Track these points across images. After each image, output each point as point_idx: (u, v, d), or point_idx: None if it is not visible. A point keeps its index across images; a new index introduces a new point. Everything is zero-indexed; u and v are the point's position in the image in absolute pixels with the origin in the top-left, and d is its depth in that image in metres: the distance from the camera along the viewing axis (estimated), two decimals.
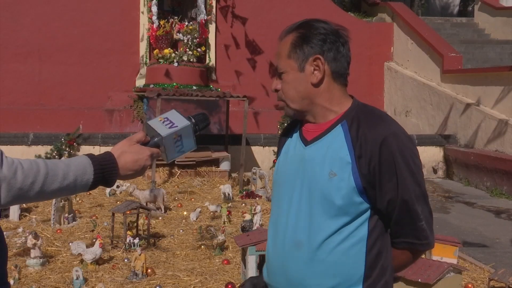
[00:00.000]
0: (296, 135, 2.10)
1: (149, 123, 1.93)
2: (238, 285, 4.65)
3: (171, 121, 1.92)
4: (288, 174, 2.06)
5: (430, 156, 11.55)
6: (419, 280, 4.12)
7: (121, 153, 1.81)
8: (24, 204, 7.14)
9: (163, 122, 1.92)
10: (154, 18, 12.19)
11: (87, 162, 1.73)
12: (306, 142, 2.02)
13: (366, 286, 1.94)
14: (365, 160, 1.88)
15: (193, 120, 1.96)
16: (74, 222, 6.89)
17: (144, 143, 1.88)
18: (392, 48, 14.64)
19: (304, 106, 2.01)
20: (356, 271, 1.93)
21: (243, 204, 8.17)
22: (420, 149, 11.42)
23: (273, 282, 2.09)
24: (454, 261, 4.93)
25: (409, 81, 13.62)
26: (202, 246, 5.98)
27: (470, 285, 4.85)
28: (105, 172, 1.75)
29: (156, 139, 1.89)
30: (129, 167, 1.81)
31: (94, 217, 7.10)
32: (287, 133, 2.17)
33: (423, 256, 5.30)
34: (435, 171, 11.53)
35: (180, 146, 1.93)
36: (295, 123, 2.15)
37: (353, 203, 1.90)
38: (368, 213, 1.93)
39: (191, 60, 12.11)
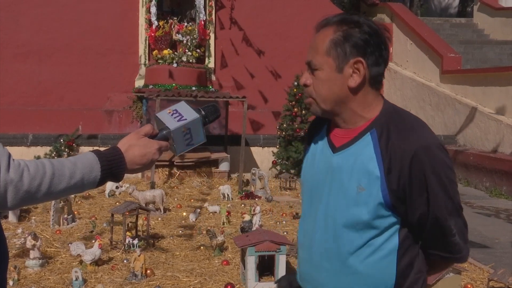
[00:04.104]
0: (323, 137, 2.01)
1: (158, 115, 1.88)
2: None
3: (180, 114, 1.86)
4: (315, 179, 2.00)
5: None
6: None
7: (129, 147, 1.77)
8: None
9: (171, 115, 1.86)
10: (153, 19, 12.19)
11: (93, 159, 1.70)
12: (334, 149, 1.93)
13: None
14: (395, 175, 1.79)
15: (203, 112, 1.89)
16: (73, 223, 6.89)
17: (152, 136, 1.83)
18: (391, 48, 14.63)
19: (335, 108, 1.90)
20: (386, 282, 1.88)
21: (243, 205, 8.17)
22: None
23: (304, 286, 2.07)
24: None
25: (408, 82, 13.63)
26: (202, 247, 5.98)
27: (469, 286, 4.85)
28: (113, 167, 1.73)
29: (164, 132, 1.84)
30: (136, 161, 1.78)
31: (93, 218, 7.10)
32: (314, 132, 2.09)
33: None
34: None
35: (189, 139, 1.87)
36: (322, 122, 2.06)
37: (381, 217, 1.83)
38: (398, 226, 1.86)
39: (190, 61, 12.11)
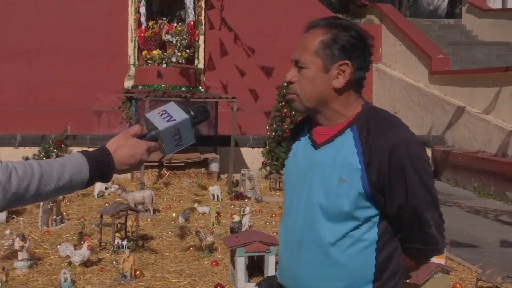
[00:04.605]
0: (306, 137, 2.08)
1: (147, 115, 1.88)
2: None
3: (169, 114, 1.86)
4: (297, 176, 2.05)
5: None
6: (407, 281, 4.13)
7: (117, 148, 1.77)
8: None
9: (161, 115, 1.86)
10: (143, 19, 12.16)
11: (82, 160, 1.70)
12: (316, 145, 2.00)
13: (376, 287, 1.94)
14: (375, 168, 1.86)
15: (192, 113, 1.89)
16: (62, 224, 6.86)
17: (141, 136, 1.83)
18: (380, 49, 14.70)
19: (317, 106, 1.97)
20: (366, 273, 1.93)
21: (232, 206, 8.16)
22: None
23: (285, 283, 2.09)
24: (442, 261, 4.95)
25: (397, 83, 13.68)
26: (191, 248, 5.97)
27: (458, 286, 4.87)
28: (101, 168, 1.72)
29: (153, 132, 1.84)
30: (125, 162, 1.77)
31: (82, 219, 7.07)
32: (296, 132, 2.15)
33: None
34: None
35: (179, 139, 1.87)
36: (304, 123, 2.13)
37: (361, 208, 1.89)
38: (377, 218, 1.92)
39: (180, 61, 12.08)
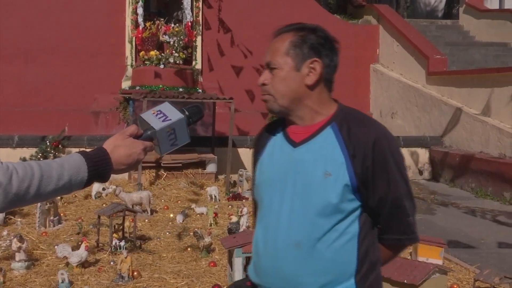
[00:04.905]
0: (280, 137, 2.12)
1: (142, 116, 1.90)
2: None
3: (165, 114, 1.89)
4: (276, 175, 2.07)
5: (416, 157, 11.62)
6: (405, 281, 4.13)
7: (114, 148, 1.79)
8: None
9: (156, 115, 1.89)
10: (140, 20, 12.14)
11: (80, 161, 1.72)
12: (294, 144, 2.05)
13: (358, 280, 2.00)
14: (359, 160, 1.95)
15: (187, 113, 1.93)
16: (59, 225, 6.85)
17: (137, 137, 1.85)
18: (378, 50, 14.71)
19: (292, 104, 2.04)
20: (349, 266, 1.99)
21: (230, 206, 8.16)
22: (406, 150, 11.50)
23: (264, 283, 2.10)
24: (439, 262, 4.96)
25: (394, 83, 13.69)
26: (189, 248, 5.97)
27: (455, 286, 4.88)
28: (99, 168, 1.74)
29: (149, 132, 1.87)
30: (122, 162, 1.80)
31: (79, 220, 7.06)
32: (269, 133, 2.20)
33: (408, 257, 5.32)
34: (420, 172, 11.59)
35: (174, 139, 1.90)
36: (275, 125, 2.18)
37: (347, 201, 1.96)
38: (359, 211, 2.00)
39: (178, 62, 12.07)
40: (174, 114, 1.90)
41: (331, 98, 2.10)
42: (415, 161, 11.61)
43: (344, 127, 2.00)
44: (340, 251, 1.98)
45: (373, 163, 1.95)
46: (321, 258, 1.97)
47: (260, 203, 2.17)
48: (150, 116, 1.89)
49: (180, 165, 9.80)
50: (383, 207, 2.00)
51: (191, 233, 6.38)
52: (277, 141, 2.13)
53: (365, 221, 2.02)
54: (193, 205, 7.85)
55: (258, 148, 2.23)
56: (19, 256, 5.24)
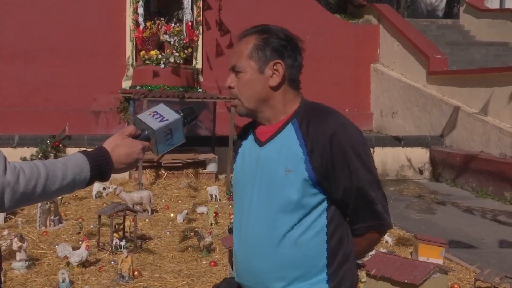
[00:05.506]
0: (250, 138, 2.18)
1: (139, 116, 1.95)
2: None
3: (161, 115, 1.95)
4: (246, 175, 2.14)
5: (416, 157, 11.62)
6: (405, 281, 4.14)
7: (114, 147, 1.85)
8: None
9: (152, 116, 1.94)
10: (141, 19, 12.14)
11: (83, 160, 1.77)
12: (260, 143, 2.10)
13: (330, 273, 2.01)
14: (317, 154, 1.97)
15: (182, 114, 1.99)
16: (60, 225, 6.86)
17: (135, 137, 1.91)
18: (378, 49, 14.70)
19: (258, 106, 2.09)
20: (319, 260, 2.01)
21: (230, 206, 8.16)
22: (406, 150, 11.50)
23: (242, 280, 2.15)
24: (440, 261, 4.96)
25: (395, 83, 13.68)
26: (189, 248, 5.97)
27: (456, 286, 4.88)
28: (101, 167, 1.80)
29: (146, 132, 1.92)
30: (122, 161, 1.85)
31: (80, 220, 7.06)
32: (242, 136, 2.24)
33: (409, 256, 5.32)
34: (421, 172, 11.59)
35: (170, 139, 1.96)
36: (248, 127, 2.23)
37: (309, 196, 1.98)
38: (325, 204, 2.02)
39: (178, 61, 12.06)
40: (170, 115, 1.96)
41: (297, 96, 2.12)
42: (416, 160, 11.60)
43: (304, 123, 2.03)
44: (307, 245, 1.99)
45: (331, 156, 1.96)
46: (288, 254, 2.00)
47: (235, 203, 2.24)
48: (147, 117, 1.94)
49: (181, 164, 9.81)
50: (349, 198, 2.01)
51: (192, 233, 6.38)
52: (247, 142, 2.19)
53: (334, 214, 2.03)
54: (194, 205, 7.84)
55: (235, 151, 2.29)
56: (20, 255, 5.25)
